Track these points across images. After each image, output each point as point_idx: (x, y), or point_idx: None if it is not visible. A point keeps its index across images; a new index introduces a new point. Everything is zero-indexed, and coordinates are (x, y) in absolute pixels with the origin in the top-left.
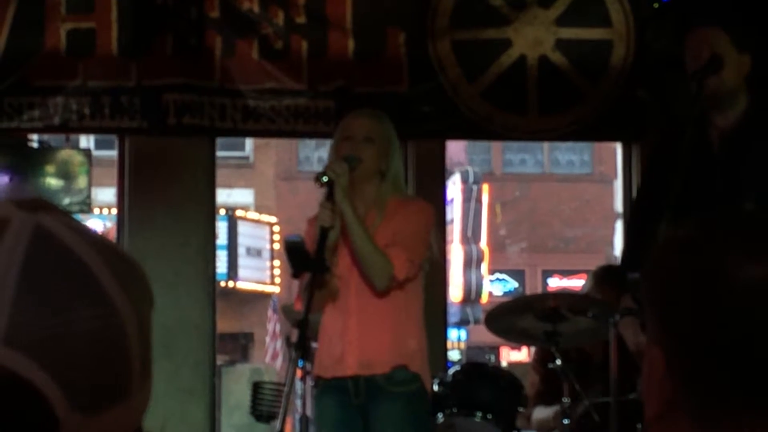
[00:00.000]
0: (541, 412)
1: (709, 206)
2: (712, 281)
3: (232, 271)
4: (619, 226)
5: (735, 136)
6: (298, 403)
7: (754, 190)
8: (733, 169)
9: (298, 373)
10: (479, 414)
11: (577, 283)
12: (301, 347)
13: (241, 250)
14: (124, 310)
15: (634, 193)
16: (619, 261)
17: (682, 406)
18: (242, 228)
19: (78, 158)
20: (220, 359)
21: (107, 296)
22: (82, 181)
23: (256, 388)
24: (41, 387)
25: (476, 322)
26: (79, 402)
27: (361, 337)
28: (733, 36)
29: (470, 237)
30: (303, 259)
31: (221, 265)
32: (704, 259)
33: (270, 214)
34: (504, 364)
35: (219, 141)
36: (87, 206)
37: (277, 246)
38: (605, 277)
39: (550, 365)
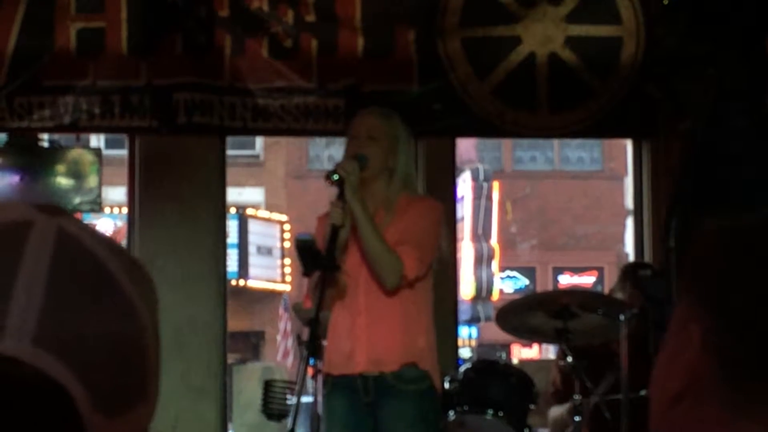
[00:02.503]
0: (556, 410)
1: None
2: (761, 259)
3: (243, 270)
4: (629, 223)
5: None
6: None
7: None
8: None
9: (310, 371)
10: (490, 412)
11: (587, 280)
12: (312, 345)
13: (251, 249)
14: (142, 312)
15: (645, 190)
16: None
17: (713, 387)
18: (253, 226)
19: (88, 157)
20: (231, 358)
21: (128, 298)
22: (92, 181)
23: (268, 386)
24: (68, 387)
25: (487, 319)
26: (102, 403)
27: (370, 335)
28: None
29: (481, 234)
30: (314, 257)
31: (232, 263)
32: (754, 238)
33: (280, 212)
34: (515, 361)
35: (229, 140)
36: (97, 205)
37: (287, 244)
38: (628, 274)
39: (561, 362)
